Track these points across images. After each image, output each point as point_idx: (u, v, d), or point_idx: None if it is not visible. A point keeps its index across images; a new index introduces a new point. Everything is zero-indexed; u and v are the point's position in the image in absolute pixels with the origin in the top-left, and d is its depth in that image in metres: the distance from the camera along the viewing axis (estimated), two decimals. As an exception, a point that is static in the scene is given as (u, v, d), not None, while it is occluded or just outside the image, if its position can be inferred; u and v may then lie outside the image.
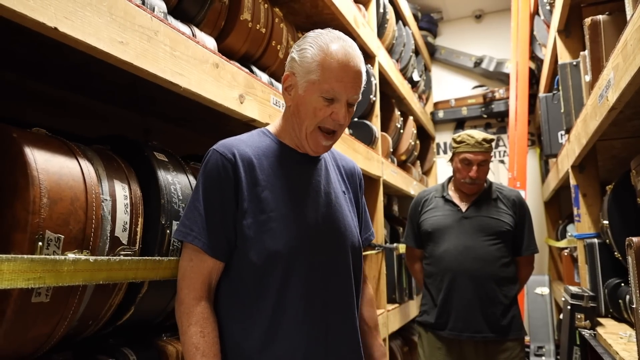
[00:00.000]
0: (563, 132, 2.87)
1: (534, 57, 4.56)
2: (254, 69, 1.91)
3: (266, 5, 1.95)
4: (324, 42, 1.15)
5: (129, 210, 1.11)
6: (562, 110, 2.50)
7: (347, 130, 2.73)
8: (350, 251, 1.25)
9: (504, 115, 5.10)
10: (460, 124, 5.45)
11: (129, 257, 1.06)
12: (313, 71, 1.14)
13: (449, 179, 2.60)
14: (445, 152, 5.51)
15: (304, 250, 1.15)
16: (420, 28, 5.19)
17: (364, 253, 2.88)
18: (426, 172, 5.20)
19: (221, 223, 1.12)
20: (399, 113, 3.70)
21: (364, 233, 1.41)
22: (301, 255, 1.14)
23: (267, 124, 1.54)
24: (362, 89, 1.20)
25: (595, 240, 2.15)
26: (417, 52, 4.75)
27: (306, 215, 1.17)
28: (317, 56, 1.14)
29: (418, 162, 4.67)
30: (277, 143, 1.24)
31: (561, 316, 2.36)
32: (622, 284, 1.96)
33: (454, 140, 2.45)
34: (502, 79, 5.19)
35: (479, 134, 2.39)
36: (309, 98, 1.15)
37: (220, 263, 1.13)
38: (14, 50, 1.19)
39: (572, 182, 2.50)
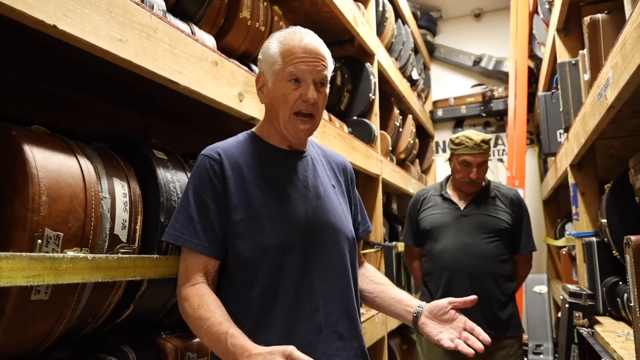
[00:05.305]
0: (562, 131, 2.87)
1: (533, 55, 4.56)
2: (253, 67, 1.91)
3: (265, 4, 1.95)
4: (281, 35, 1.23)
5: (128, 208, 1.11)
6: (561, 109, 2.51)
7: (346, 129, 2.73)
8: (344, 242, 1.25)
9: (503, 114, 5.10)
10: (459, 122, 5.45)
11: (128, 255, 1.06)
12: (276, 61, 1.19)
13: (448, 178, 2.60)
14: (444, 150, 5.51)
15: (295, 244, 1.16)
16: (420, 27, 5.19)
17: (362, 251, 2.89)
18: (425, 171, 5.20)
19: (214, 222, 1.13)
20: (398, 112, 3.70)
21: (362, 226, 1.43)
22: (293, 248, 1.15)
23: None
24: (328, 69, 1.22)
25: (594, 239, 2.16)
26: (416, 50, 4.75)
27: (295, 210, 1.19)
28: (277, 48, 1.20)
29: (417, 160, 4.67)
30: (261, 143, 1.26)
31: (559, 314, 2.37)
32: (620, 283, 1.97)
33: (452, 141, 2.45)
34: (501, 77, 5.19)
35: (477, 136, 2.39)
36: (277, 87, 1.19)
37: (215, 260, 1.14)
38: (13, 49, 1.19)
39: (571, 180, 2.50)
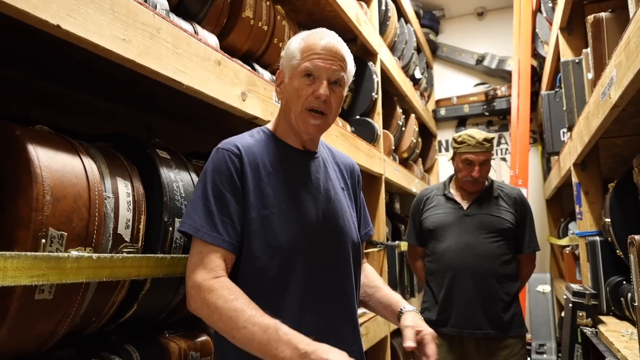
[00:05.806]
0: (565, 130, 2.86)
1: (536, 54, 4.55)
2: (256, 66, 1.91)
3: (268, 3, 1.95)
4: (305, 33, 1.25)
5: (131, 207, 1.11)
6: (564, 108, 2.50)
7: (348, 128, 2.73)
8: (350, 246, 1.26)
9: (505, 113, 5.09)
10: (462, 121, 5.44)
11: (132, 255, 1.06)
12: (294, 57, 1.21)
13: (451, 177, 2.60)
14: (447, 149, 5.50)
15: (304, 246, 1.16)
16: (422, 25, 5.18)
17: (365, 250, 2.89)
18: (428, 170, 5.20)
19: (233, 216, 1.12)
20: (400, 111, 3.69)
21: (364, 228, 1.43)
22: (302, 250, 1.15)
23: (269, 122, 1.54)
24: (345, 70, 1.22)
25: (597, 238, 2.15)
26: (419, 49, 4.74)
27: (306, 212, 1.19)
28: (298, 44, 1.22)
29: (420, 159, 4.66)
30: (275, 140, 1.25)
31: (563, 314, 2.37)
32: (624, 282, 1.96)
33: (455, 140, 2.45)
34: (504, 76, 5.18)
35: (479, 134, 2.39)
36: (292, 82, 1.20)
37: (232, 255, 1.12)
38: (17, 48, 1.19)
39: (574, 180, 2.50)
